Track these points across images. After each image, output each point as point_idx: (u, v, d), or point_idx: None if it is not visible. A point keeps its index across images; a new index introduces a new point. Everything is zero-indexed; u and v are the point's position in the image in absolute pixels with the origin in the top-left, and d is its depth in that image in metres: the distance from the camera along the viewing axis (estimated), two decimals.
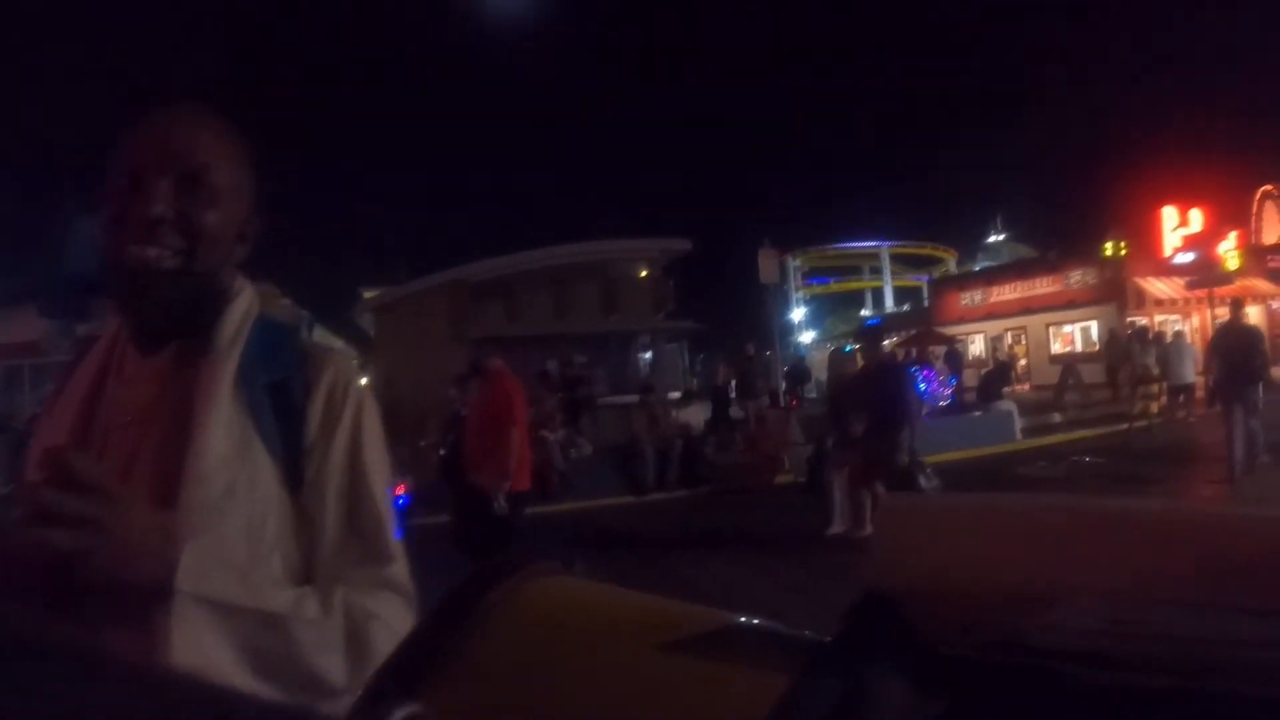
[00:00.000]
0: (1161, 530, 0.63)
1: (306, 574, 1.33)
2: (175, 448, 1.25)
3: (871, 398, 9.20)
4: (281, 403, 1.34)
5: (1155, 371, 18.93)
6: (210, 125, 1.37)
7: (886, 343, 14.05)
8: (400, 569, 1.39)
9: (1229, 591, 0.57)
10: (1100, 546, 0.63)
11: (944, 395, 19.31)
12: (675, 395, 18.87)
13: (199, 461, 1.24)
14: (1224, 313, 27.35)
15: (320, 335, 34.94)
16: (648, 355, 27.76)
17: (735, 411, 19.39)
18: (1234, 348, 11.10)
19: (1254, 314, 14.72)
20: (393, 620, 1.31)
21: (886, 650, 0.66)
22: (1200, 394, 18.81)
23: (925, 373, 19.57)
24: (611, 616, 0.91)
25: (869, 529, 8.87)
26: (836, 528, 9.52)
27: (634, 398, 17.90)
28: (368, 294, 30.63)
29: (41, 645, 0.43)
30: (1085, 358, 28.88)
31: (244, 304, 1.40)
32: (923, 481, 8.88)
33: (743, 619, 0.85)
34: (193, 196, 1.30)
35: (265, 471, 1.30)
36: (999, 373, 20.68)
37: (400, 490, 10.67)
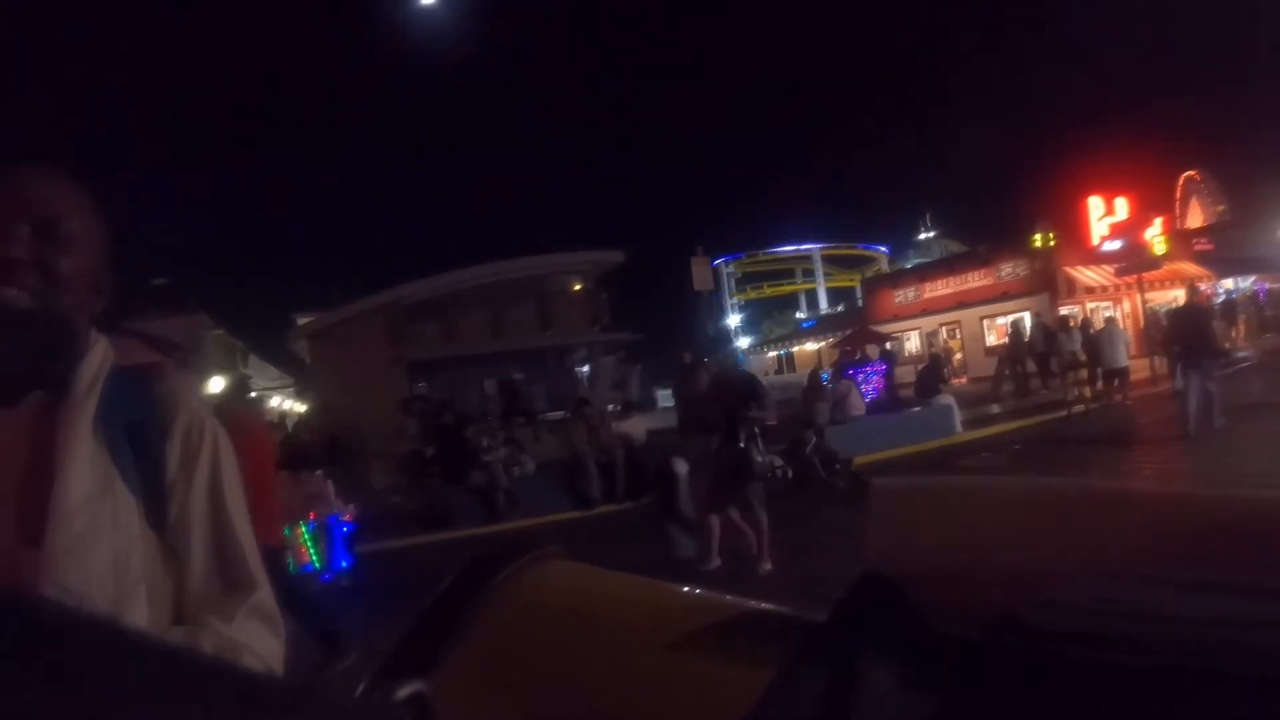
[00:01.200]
0: (1154, 511, 0.64)
1: (175, 608, 1.37)
2: (39, 489, 1.26)
3: (716, 416, 8.42)
4: (139, 445, 1.38)
5: (1082, 358, 19.25)
6: (62, 181, 1.41)
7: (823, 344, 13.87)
8: (265, 596, 1.43)
9: (1220, 571, 0.57)
10: (1095, 527, 0.64)
11: (873, 391, 19.33)
12: (615, 407, 18.71)
13: (63, 499, 1.25)
14: (1154, 298, 28.15)
15: (255, 365, 34.54)
16: (585, 368, 27.67)
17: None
18: (1189, 327, 12.97)
19: (1183, 297, 15.68)
20: (259, 648, 1.37)
21: (882, 629, 0.67)
22: (1137, 376, 19.23)
23: (855, 372, 19.62)
24: (614, 599, 0.96)
25: (714, 559, 8.44)
26: (687, 554, 8.95)
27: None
28: (302, 320, 30.15)
29: (81, 626, 0.44)
30: None
31: (99, 354, 1.42)
32: (756, 459, 8.23)
33: (742, 601, 0.87)
34: (49, 242, 1.34)
35: (128, 510, 1.32)
36: (933, 367, 20.74)
37: (347, 518, 10.47)
